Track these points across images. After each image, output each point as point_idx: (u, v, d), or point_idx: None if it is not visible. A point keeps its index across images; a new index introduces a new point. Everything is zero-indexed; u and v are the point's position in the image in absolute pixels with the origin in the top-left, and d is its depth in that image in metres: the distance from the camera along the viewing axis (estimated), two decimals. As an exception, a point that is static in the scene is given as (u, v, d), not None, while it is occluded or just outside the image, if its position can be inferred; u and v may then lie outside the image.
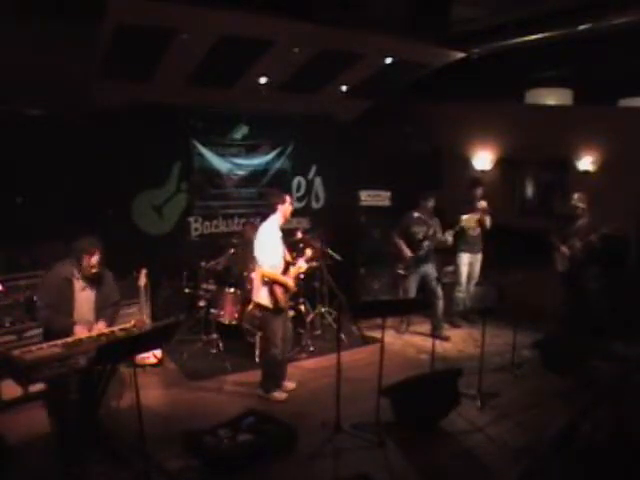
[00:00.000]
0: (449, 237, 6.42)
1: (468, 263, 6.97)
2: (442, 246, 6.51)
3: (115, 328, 4.06)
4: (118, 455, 3.77)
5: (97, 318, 4.16)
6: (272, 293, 4.66)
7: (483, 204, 6.76)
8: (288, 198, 4.83)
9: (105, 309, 4.23)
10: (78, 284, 4.12)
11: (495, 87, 7.94)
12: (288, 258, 4.89)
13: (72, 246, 4.08)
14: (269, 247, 4.65)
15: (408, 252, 6.46)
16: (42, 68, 5.12)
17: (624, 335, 6.01)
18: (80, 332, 3.91)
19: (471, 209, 6.74)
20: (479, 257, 7.01)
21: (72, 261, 4.09)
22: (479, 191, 6.89)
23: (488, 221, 6.80)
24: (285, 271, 4.78)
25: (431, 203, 6.55)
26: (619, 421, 3.58)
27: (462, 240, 6.82)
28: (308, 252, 5.05)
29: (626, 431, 3.43)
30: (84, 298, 4.14)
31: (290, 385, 5.06)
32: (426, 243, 6.43)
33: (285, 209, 4.78)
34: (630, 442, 3.30)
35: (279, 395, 4.91)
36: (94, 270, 4.09)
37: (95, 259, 4.06)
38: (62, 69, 5.25)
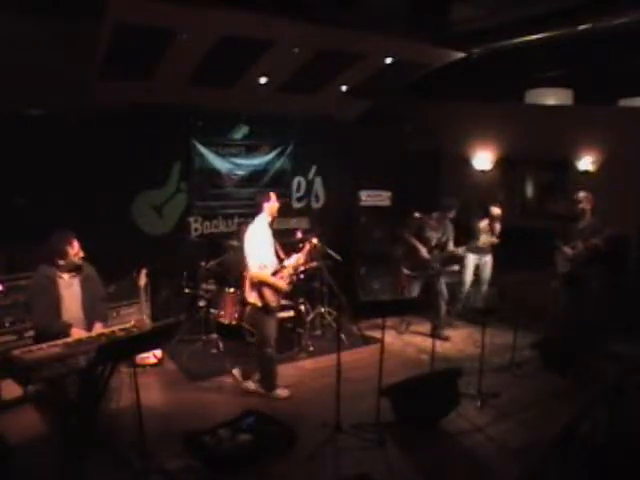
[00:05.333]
0: (461, 251, 6.49)
1: (474, 265, 6.99)
2: (453, 255, 6.54)
3: (115, 328, 4.04)
4: (118, 455, 3.77)
5: (86, 315, 4.13)
6: (261, 294, 4.67)
7: (497, 211, 6.82)
8: (273, 195, 4.84)
9: (94, 308, 4.19)
10: (62, 282, 4.09)
11: (495, 87, 7.95)
12: (282, 255, 4.87)
13: (48, 247, 4.05)
14: (256, 248, 4.65)
15: (425, 254, 6.38)
16: (42, 68, 5.12)
17: (624, 335, 6.01)
18: (77, 334, 3.89)
19: (483, 216, 6.84)
20: (488, 259, 7.02)
21: (53, 260, 4.05)
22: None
23: (498, 228, 6.83)
24: (278, 270, 4.75)
25: (451, 214, 6.50)
26: (619, 421, 3.58)
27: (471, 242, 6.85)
28: (306, 247, 4.94)
29: (626, 431, 3.43)
30: (71, 295, 4.11)
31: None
32: (436, 252, 6.42)
33: (271, 206, 4.79)
34: (630, 442, 3.29)
35: (282, 392, 4.89)
36: (80, 256, 4.11)
37: (76, 245, 4.08)
38: (62, 69, 5.25)
